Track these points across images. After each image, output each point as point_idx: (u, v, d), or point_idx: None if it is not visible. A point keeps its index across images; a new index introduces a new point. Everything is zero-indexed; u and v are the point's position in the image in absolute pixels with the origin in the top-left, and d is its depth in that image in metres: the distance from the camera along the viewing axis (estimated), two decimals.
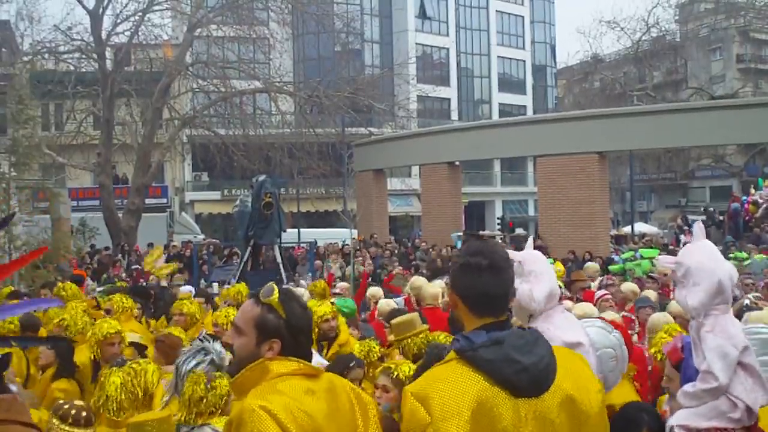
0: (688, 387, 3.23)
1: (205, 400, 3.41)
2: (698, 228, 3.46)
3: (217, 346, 3.76)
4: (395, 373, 3.69)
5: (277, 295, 2.25)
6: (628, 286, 8.11)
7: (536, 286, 3.38)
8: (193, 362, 3.64)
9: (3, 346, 1.79)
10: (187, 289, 9.22)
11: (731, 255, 15.63)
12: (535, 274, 3.44)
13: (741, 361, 3.22)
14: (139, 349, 5.20)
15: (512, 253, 4.14)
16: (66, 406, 3.35)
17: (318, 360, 4.33)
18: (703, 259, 3.31)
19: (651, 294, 7.70)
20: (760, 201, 21.91)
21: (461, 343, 2.07)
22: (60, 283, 7.60)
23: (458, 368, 2.03)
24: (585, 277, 9.12)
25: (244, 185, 14.86)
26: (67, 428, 3.29)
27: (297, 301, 2.30)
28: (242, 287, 7.39)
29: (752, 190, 23.89)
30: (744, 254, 15.42)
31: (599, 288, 8.23)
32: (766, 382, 3.24)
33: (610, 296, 7.04)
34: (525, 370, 2.00)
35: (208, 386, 3.45)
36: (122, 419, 3.68)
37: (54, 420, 3.29)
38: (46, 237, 16.34)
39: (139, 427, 3.36)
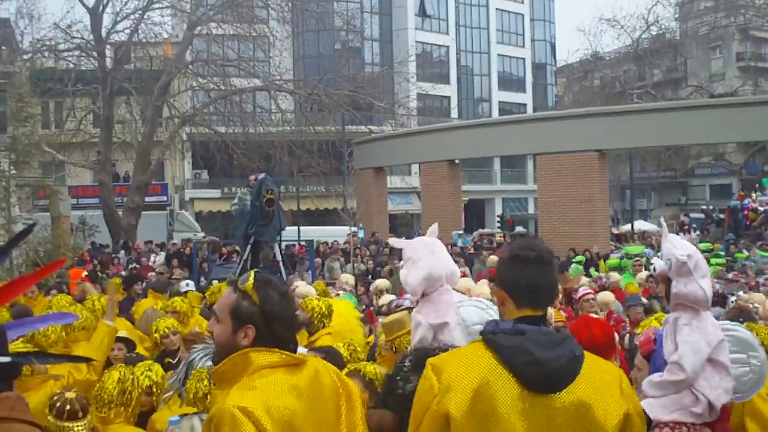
0: (654, 377, 3.29)
1: (209, 397, 3.39)
2: (663, 225, 3.59)
3: None
4: (367, 377, 3.71)
5: (251, 281, 2.23)
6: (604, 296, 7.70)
7: (411, 272, 3.63)
8: (210, 362, 3.61)
9: (24, 362, 1.82)
10: (184, 284, 9.23)
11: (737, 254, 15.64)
12: (412, 261, 3.68)
13: (711, 358, 3.24)
14: (128, 345, 5.18)
15: (396, 241, 4.36)
16: (58, 403, 3.33)
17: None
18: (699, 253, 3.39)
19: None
20: (760, 209, 21.88)
21: (489, 327, 2.15)
22: None
23: (477, 348, 2.12)
24: (570, 279, 9.02)
25: (244, 183, 14.82)
26: (61, 423, 3.28)
27: (274, 288, 2.25)
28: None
29: (753, 195, 23.82)
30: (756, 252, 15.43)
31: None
32: (737, 380, 3.25)
33: (592, 295, 6.89)
34: (536, 363, 2.02)
35: (212, 382, 3.44)
36: (109, 416, 3.66)
37: (49, 417, 3.28)
38: (46, 235, 16.35)
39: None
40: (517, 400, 2.00)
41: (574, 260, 14.97)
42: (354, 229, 18.95)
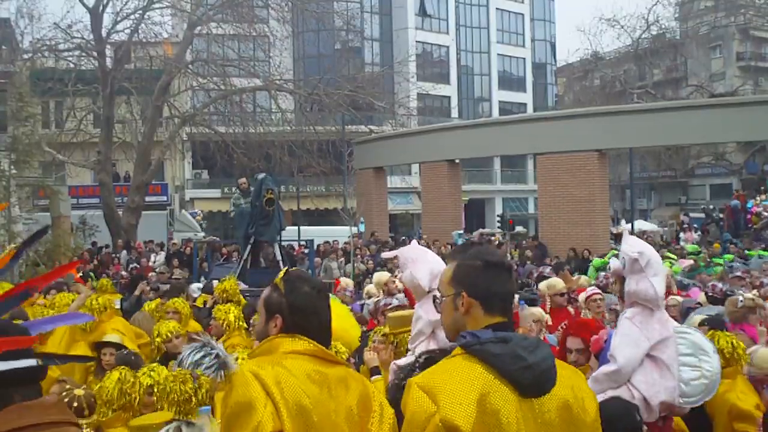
0: (595, 372, 3.30)
1: (194, 400, 3.37)
2: (626, 229, 3.64)
3: (220, 344, 3.73)
4: None
5: (282, 274, 2.36)
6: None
7: (415, 269, 3.78)
8: (199, 354, 3.60)
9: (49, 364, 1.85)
10: (195, 287, 9.28)
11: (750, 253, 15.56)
12: (412, 260, 3.86)
13: (653, 355, 3.22)
14: (119, 349, 5.12)
15: (388, 254, 4.56)
16: (66, 399, 3.32)
17: None
18: (652, 258, 3.41)
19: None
20: (765, 214, 21.79)
21: (467, 338, 2.08)
22: None
23: (464, 362, 2.05)
24: (571, 279, 8.92)
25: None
26: None
27: (305, 281, 2.36)
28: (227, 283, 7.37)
29: (757, 198, 23.74)
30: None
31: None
32: (687, 384, 3.22)
33: (599, 295, 6.73)
34: (529, 368, 2.01)
35: (195, 384, 3.43)
36: (109, 420, 3.65)
37: None
38: (46, 235, 16.32)
39: (142, 429, 3.36)
40: (516, 409, 1.99)
41: (591, 263, 14.84)
42: (355, 229, 18.95)
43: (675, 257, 13.22)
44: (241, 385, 2.08)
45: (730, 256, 15.30)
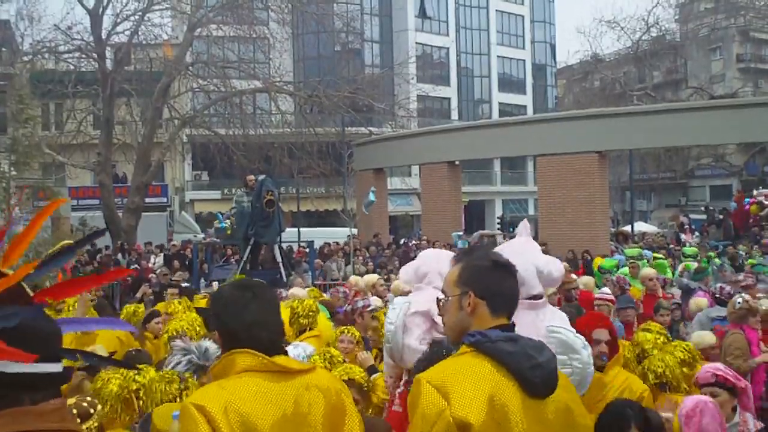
0: None
1: (179, 400, 3.37)
2: (523, 226, 3.66)
3: (205, 343, 3.72)
4: (364, 387, 3.94)
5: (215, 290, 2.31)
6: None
7: (403, 268, 4.06)
8: (172, 363, 3.62)
9: (68, 358, 1.75)
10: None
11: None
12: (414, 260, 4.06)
13: None
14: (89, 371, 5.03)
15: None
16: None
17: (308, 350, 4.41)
18: (506, 255, 3.43)
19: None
20: (766, 202, 21.73)
21: (476, 337, 2.07)
22: None
23: (473, 360, 2.04)
24: (572, 279, 8.89)
25: (241, 185, 14.77)
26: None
27: (236, 288, 2.29)
28: None
29: (755, 191, 23.75)
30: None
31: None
32: None
33: (605, 300, 6.71)
34: (539, 367, 2.01)
35: (182, 385, 3.46)
36: (107, 421, 3.62)
37: None
38: (46, 236, 16.31)
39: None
40: (522, 407, 1.99)
41: (596, 265, 14.72)
42: (354, 231, 18.92)
43: (666, 262, 13.04)
44: (185, 422, 2.00)
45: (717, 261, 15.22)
